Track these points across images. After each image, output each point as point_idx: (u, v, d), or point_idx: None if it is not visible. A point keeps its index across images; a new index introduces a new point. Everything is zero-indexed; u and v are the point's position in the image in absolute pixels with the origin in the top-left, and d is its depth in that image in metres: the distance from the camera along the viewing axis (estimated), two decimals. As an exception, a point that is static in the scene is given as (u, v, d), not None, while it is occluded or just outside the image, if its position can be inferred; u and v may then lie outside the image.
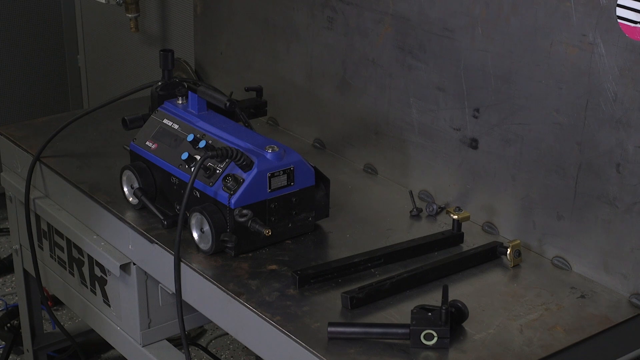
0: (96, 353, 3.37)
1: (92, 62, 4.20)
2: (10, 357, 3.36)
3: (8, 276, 3.90)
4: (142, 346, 2.35)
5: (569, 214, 2.08)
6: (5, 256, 3.98)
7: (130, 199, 2.30)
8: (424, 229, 2.26)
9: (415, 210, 2.33)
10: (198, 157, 2.10)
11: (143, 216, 2.27)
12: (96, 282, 2.45)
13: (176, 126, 2.26)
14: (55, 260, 2.62)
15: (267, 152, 2.10)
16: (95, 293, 2.47)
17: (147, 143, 2.28)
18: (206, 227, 2.08)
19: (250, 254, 2.12)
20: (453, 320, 1.85)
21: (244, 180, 2.05)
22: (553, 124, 2.06)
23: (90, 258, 2.44)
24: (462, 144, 2.28)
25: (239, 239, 2.07)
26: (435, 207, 2.33)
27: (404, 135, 2.43)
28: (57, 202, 2.54)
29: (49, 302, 3.35)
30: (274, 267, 2.08)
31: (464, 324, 1.89)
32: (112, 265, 2.30)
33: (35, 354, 2.97)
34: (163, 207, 2.25)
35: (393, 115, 2.44)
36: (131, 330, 2.37)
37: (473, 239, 2.21)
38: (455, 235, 2.19)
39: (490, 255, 2.13)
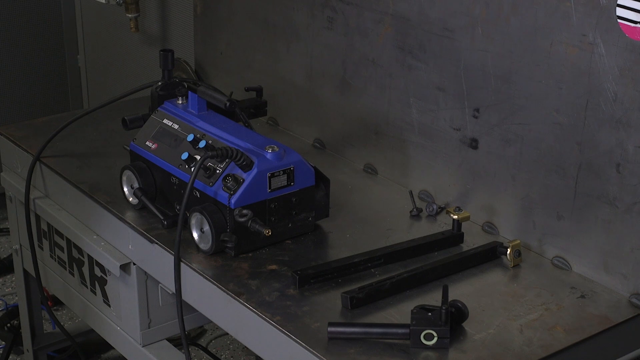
0: (96, 353, 3.37)
1: (92, 62, 4.19)
2: (10, 357, 3.36)
3: (8, 276, 3.90)
4: (142, 346, 2.35)
5: (569, 214, 2.08)
6: (5, 256, 3.98)
7: (130, 199, 2.30)
8: (424, 229, 2.26)
9: (415, 210, 2.33)
10: (198, 157, 2.10)
11: (143, 216, 2.27)
12: (96, 282, 2.45)
13: (176, 126, 2.26)
14: (55, 260, 2.62)
15: (267, 152, 2.10)
16: (95, 293, 2.47)
17: (147, 143, 2.28)
18: (206, 227, 2.08)
19: (250, 254, 2.12)
20: (453, 320, 1.85)
21: (244, 180, 2.05)
22: (553, 124, 2.06)
23: (90, 258, 2.44)
24: (462, 144, 2.28)
25: (239, 239, 2.07)
26: (435, 207, 2.33)
27: (404, 135, 2.42)
28: (57, 202, 2.54)
29: (49, 302, 3.35)
30: (274, 267, 2.08)
31: (464, 324, 1.88)
32: (112, 265, 2.30)
33: (35, 354, 2.96)
34: (163, 207, 2.25)
35: (393, 115, 2.44)
36: (131, 330, 2.37)
37: (473, 239, 2.21)
38: (455, 235, 2.19)
39: (490, 255, 2.13)
